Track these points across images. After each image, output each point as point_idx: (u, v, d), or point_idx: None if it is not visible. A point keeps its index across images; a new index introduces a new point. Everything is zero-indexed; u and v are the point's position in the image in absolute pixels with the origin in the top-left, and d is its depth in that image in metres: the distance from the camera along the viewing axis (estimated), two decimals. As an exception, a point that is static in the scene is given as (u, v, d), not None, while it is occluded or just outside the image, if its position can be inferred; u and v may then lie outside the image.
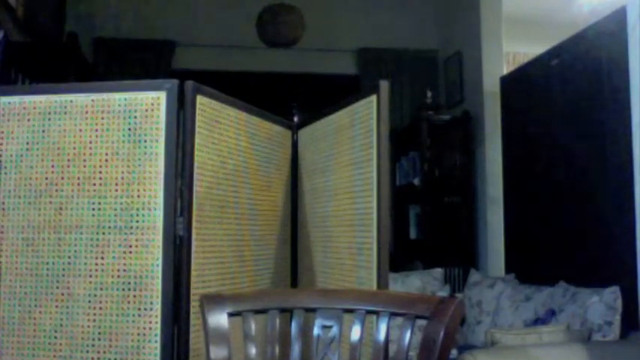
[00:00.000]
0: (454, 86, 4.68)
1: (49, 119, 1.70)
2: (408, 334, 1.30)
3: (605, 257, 2.72)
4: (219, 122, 1.82)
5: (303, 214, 2.26)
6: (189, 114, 1.68)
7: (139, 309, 1.62)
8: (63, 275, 1.65)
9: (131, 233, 1.64)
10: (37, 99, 1.71)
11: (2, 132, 1.72)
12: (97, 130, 1.68)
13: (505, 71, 4.27)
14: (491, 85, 4.13)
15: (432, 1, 5.15)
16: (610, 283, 2.45)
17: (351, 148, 1.93)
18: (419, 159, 4.42)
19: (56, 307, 1.65)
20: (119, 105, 1.68)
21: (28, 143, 1.71)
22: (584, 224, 2.91)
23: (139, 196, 1.64)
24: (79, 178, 1.68)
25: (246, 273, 1.97)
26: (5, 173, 1.71)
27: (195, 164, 1.70)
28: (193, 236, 1.67)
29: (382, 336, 1.33)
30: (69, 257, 1.66)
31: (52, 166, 1.69)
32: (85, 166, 1.68)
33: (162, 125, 1.65)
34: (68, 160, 1.68)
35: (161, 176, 1.64)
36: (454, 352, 2.63)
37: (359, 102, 1.89)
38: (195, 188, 1.69)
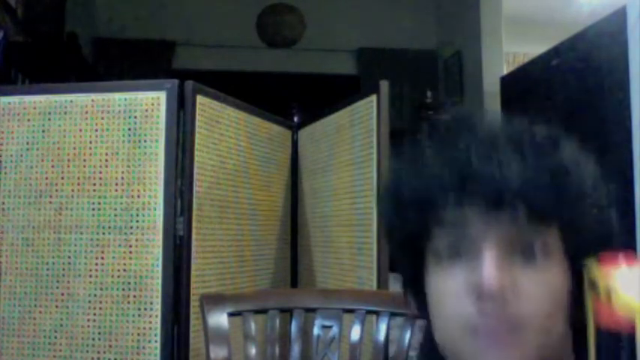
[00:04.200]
0: (454, 86, 4.68)
1: (49, 119, 1.70)
2: (408, 334, 1.30)
3: (605, 257, 2.71)
4: (219, 122, 1.82)
5: (303, 214, 2.26)
6: (189, 114, 1.68)
7: (139, 309, 1.61)
8: (63, 275, 1.65)
9: (131, 233, 1.64)
10: (37, 99, 1.71)
11: (2, 132, 1.72)
12: (97, 130, 1.68)
13: (505, 71, 4.27)
14: (491, 85, 4.13)
15: (432, 1, 5.16)
16: (610, 283, 2.44)
17: (351, 148, 1.93)
18: (419, 159, 4.41)
19: (56, 307, 1.65)
20: (119, 105, 1.68)
21: (28, 143, 1.70)
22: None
23: (139, 196, 1.64)
24: (79, 178, 1.68)
25: (246, 273, 1.97)
26: (5, 173, 1.70)
27: (195, 164, 1.70)
28: (193, 236, 1.67)
29: (382, 336, 1.33)
30: (69, 257, 1.66)
31: (52, 166, 1.69)
32: (85, 166, 1.68)
33: (162, 125, 1.65)
34: (68, 160, 1.68)
35: (161, 176, 1.64)
36: (454, 352, 2.63)
37: (359, 102, 1.89)
38: (195, 188, 1.69)
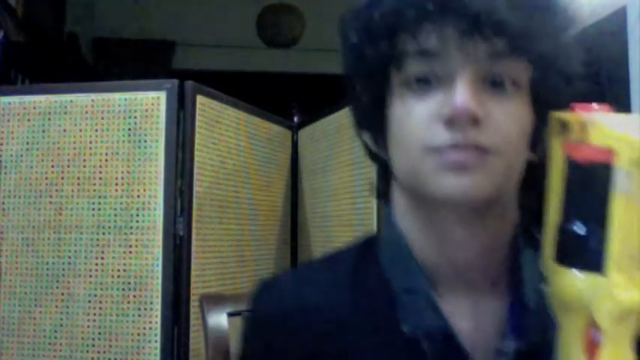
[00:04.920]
0: (454, 86, 4.68)
1: (49, 119, 1.70)
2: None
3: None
4: (219, 122, 1.82)
5: (303, 214, 2.26)
6: (189, 114, 1.68)
7: (139, 309, 1.62)
8: (63, 275, 1.65)
9: (131, 233, 1.64)
10: (37, 99, 1.71)
11: (2, 132, 1.72)
12: (97, 130, 1.68)
13: (505, 71, 4.26)
14: (491, 85, 4.13)
15: (432, 1, 5.16)
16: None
17: (351, 148, 1.93)
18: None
19: (56, 307, 1.65)
20: (119, 105, 1.68)
21: (28, 143, 1.71)
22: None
23: (139, 196, 1.64)
24: (79, 178, 1.68)
25: (246, 273, 1.97)
26: (5, 173, 1.70)
27: (195, 164, 1.70)
28: (193, 236, 1.67)
29: (382, 336, 1.33)
30: (69, 257, 1.66)
31: (52, 166, 1.69)
32: (85, 166, 1.68)
33: (162, 125, 1.65)
34: (68, 160, 1.68)
35: (161, 176, 1.64)
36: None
37: (359, 102, 1.89)
38: (195, 188, 1.69)
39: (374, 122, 0.71)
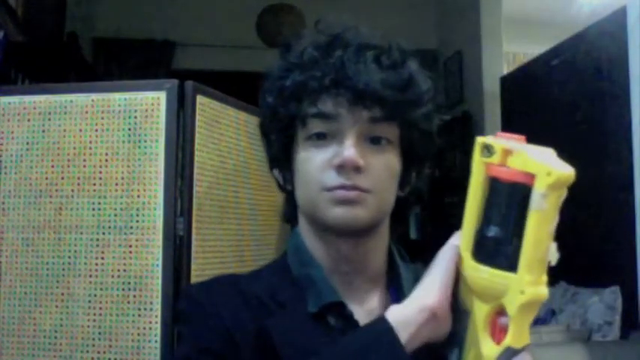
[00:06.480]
0: (454, 86, 4.68)
1: (49, 119, 1.70)
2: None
3: (605, 257, 2.72)
4: (219, 122, 1.82)
5: (303, 214, 2.26)
6: (189, 114, 1.68)
7: (139, 309, 1.61)
8: (63, 275, 1.65)
9: (131, 233, 1.64)
10: (37, 99, 1.71)
11: (2, 132, 1.72)
12: (96, 130, 1.68)
13: (505, 71, 4.27)
14: (491, 85, 4.14)
15: (432, 1, 5.15)
16: (610, 283, 2.45)
17: (351, 148, 1.92)
18: (419, 159, 4.41)
19: (56, 307, 1.65)
20: (119, 105, 1.68)
21: (28, 143, 1.70)
22: (584, 224, 2.92)
23: (139, 196, 1.64)
24: (79, 178, 1.68)
25: (246, 273, 1.97)
26: (5, 173, 1.70)
27: (195, 164, 1.69)
28: (193, 236, 1.67)
29: (382, 336, 1.33)
30: (69, 257, 1.65)
31: (52, 166, 1.69)
32: (85, 166, 1.68)
33: (162, 125, 1.65)
34: (68, 160, 1.68)
35: (161, 176, 1.64)
36: (454, 352, 2.63)
37: (359, 102, 1.89)
38: (195, 188, 1.69)
39: (283, 164, 0.95)
